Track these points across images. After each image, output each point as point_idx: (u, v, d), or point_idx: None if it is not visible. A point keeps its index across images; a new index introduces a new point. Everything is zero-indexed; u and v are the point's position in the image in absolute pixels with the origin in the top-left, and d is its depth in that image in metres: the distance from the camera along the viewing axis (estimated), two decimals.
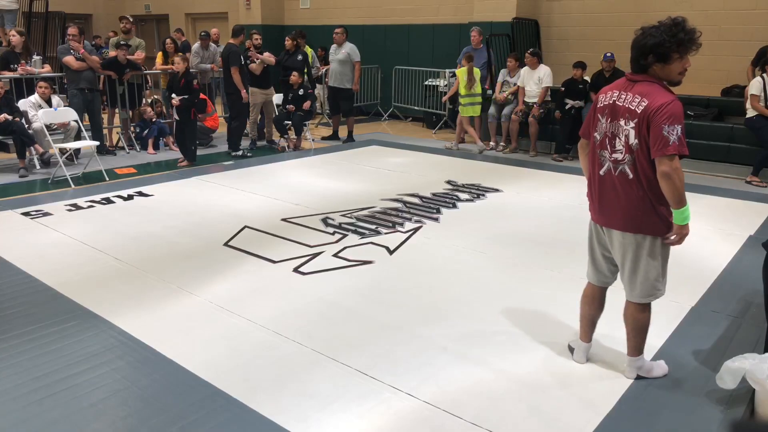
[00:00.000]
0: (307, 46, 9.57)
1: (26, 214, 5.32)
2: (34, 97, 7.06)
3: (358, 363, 2.96)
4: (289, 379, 2.83)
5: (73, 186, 6.35)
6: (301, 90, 8.40)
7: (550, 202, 5.95)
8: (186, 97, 7.22)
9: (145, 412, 2.57)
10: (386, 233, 4.90)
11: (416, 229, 5.01)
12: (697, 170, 7.37)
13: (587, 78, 8.20)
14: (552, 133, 8.36)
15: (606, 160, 2.64)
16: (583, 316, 2.99)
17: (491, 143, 8.82)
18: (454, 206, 5.72)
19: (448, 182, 6.64)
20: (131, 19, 9.06)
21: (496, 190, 6.34)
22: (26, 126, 6.91)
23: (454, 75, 9.05)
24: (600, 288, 2.93)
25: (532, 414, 2.60)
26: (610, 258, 2.81)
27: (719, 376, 2.54)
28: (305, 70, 8.84)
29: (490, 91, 8.99)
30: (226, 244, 4.64)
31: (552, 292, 3.83)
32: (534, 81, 8.25)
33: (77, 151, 7.40)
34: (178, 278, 3.97)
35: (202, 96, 8.22)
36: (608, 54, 7.88)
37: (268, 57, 8.32)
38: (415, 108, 11.20)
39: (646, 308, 2.76)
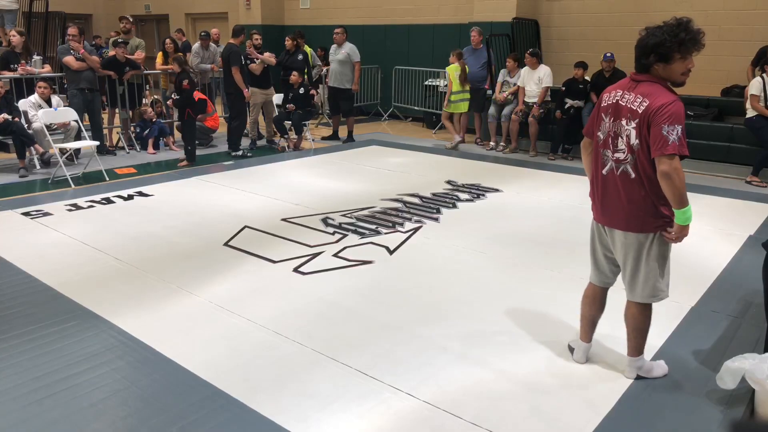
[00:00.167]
0: (306, 46, 9.57)
1: (26, 214, 5.32)
2: (34, 97, 7.06)
3: (358, 363, 2.96)
4: (289, 379, 2.83)
5: (73, 186, 6.35)
6: (302, 89, 8.41)
7: (550, 202, 5.95)
8: (178, 98, 7.25)
9: (145, 412, 2.57)
10: (386, 233, 4.90)
11: (416, 229, 5.01)
12: (697, 170, 7.37)
13: (588, 78, 8.20)
14: (552, 133, 8.36)
15: (608, 159, 2.64)
16: (583, 317, 2.99)
17: (491, 143, 8.82)
18: (454, 206, 5.72)
19: (448, 182, 6.64)
20: (131, 19, 9.06)
21: (496, 190, 6.35)
22: (26, 126, 6.92)
23: None
24: (601, 288, 2.93)
25: (532, 414, 2.60)
26: (611, 258, 2.81)
27: (719, 376, 2.54)
28: (305, 70, 8.84)
29: (490, 91, 8.99)
30: (226, 244, 4.64)
31: (552, 292, 3.83)
32: (534, 81, 8.25)
33: (77, 151, 7.40)
34: (178, 278, 3.97)
35: (202, 96, 8.22)
36: (608, 54, 7.88)
37: (269, 57, 8.32)
38: (415, 108, 11.20)
39: (647, 309, 2.76)
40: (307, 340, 3.18)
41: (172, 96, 7.33)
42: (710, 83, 8.16)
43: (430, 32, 11.11)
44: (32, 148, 6.94)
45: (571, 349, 3.06)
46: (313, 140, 9.01)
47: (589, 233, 2.91)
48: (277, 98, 8.77)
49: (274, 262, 4.29)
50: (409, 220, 5.26)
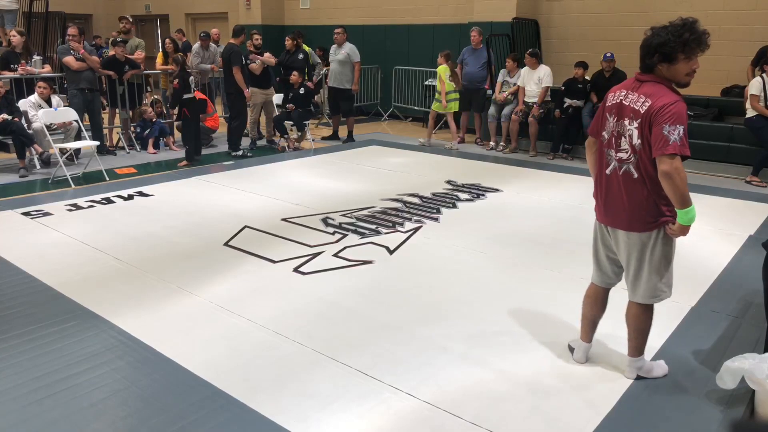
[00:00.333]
0: (305, 45, 9.57)
1: (26, 214, 5.32)
2: (34, 97, 7.06)
3: (358, 363, 2.96)
4: (289, 379, 2.83)
5: (73, 186, 6.35)
6: (302, 89, 8.41)
7: (550, 202, 5.95)
8: (169, 97, 7.28)
9: (145, 412, 2.57)
10: (386, 233, 4.90)
11: (416, 229, 5.01)
12: (697, 170, 7.37)
13: (588, 78, 8.20)
14: (552, 133, 8.37)
15: (612, 159, 2.64)
16: (584, 317, 2.98)
17: (491, 143, 8.82)
18: (454, 206, 5.72)
19: (448, 182, 6.64)
20: (131, 19, 9.06)
21: (496, 190, 6.35)
22: (26, 126, 6.92)
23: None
24: (603, 289, 2.93)
25: (533, 414, 2.60)
26: (614, 259, 2.81)
27: (719, 376, 2.54)
28: (305, 70, 8.84)
29: (490, 91, 8.99)
30: (226, 244, 4.64)
31: (552, 292, 3.83)
32: (534, 81, 8.25)
33: (77, 151, 7.40)
34: (178, 278, 3.97)
35: (201, 96, 8.22)
36: (608, 54, 7.88)
37: (269, 58, 8.33)
38: (415, 108, 11.20)
39: (648, 309, 2.76)
40: (307, 340, 3.18)
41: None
42: (710, 83, 8.16)
43: (430, 32, 11.11)
44: (32, 148, 6.94)
45: (572, 349, 3.06)
46: (313, 140, 9.01)
47: (589, 233, 2.91)
48: (277, 98, 8.77)
49: (274, 262, 4.29)
50: (409, 220, 5.26)
